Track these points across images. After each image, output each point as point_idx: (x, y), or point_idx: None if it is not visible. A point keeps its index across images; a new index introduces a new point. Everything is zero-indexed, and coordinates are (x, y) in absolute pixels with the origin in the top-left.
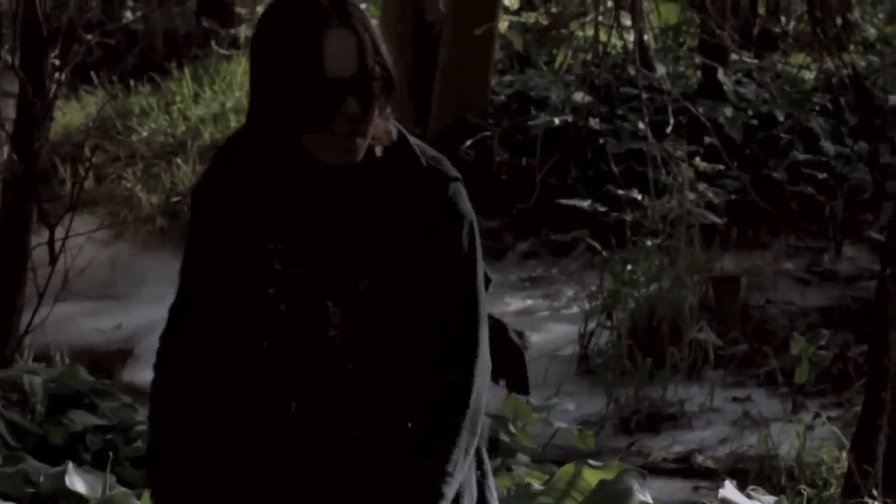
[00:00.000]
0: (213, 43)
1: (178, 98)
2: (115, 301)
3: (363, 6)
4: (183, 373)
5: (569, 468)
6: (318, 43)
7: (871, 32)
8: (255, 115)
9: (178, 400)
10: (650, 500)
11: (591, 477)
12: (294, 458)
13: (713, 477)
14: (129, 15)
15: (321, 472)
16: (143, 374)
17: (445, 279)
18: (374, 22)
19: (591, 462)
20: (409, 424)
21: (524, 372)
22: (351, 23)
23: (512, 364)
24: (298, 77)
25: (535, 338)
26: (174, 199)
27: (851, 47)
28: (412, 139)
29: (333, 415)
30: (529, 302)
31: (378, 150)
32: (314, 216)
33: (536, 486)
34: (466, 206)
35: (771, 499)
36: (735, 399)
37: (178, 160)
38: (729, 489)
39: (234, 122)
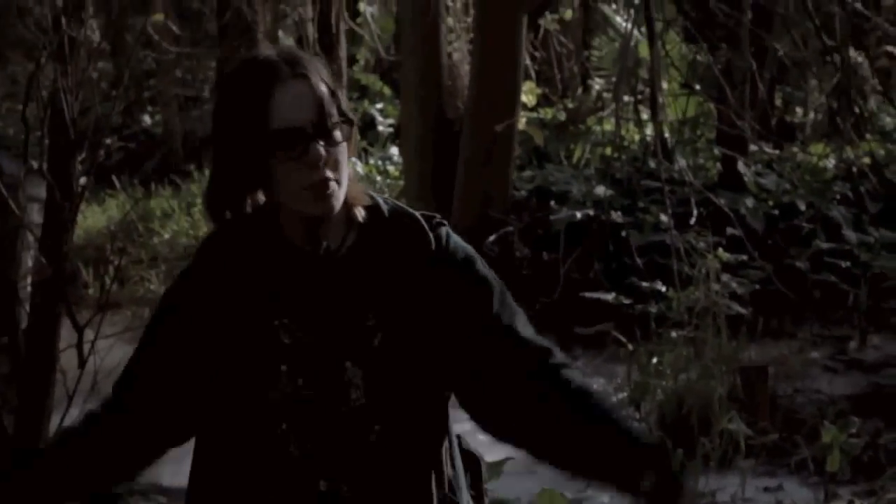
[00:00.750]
0: None
1: (199, 200)
2: None
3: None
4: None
5: None
6: (270, 95)
7: (889, 121)
8: (218, 182)
9: None
10: None
11: None
12: None
13: None
14: (147, 119)
15: None
16: (171, 473)
17: (476, 319)
18: (325, 72)
19: None
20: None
21: (480, 477)
22: (303, 73)
23: (471, 469)
24: (250, 130)
25: None
26: None
27: (868, 136)
28: (381, 198)
29: (364, 487)
30: None
31: (359, 213)
32: (314, 283)
33: None
34: (459, 244)
35: None
36: (767, 489)
37: None
38: None
39: None
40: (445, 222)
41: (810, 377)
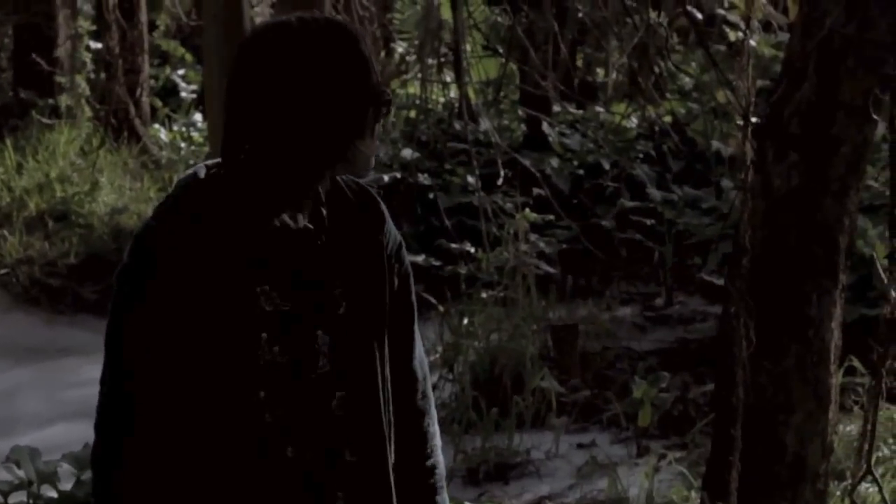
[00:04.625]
0: (33, 112)
1: (0, 169)
2: None
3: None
4: (155, 452)
5: None
6: (365, 57)
7: (687, 81)
8: (287, 142)
9: (155, 476)
10: None
11: None
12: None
13: None
14: None
15: None
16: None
17: (403, 296)
18: None
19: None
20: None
21: None
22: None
23: None
24: (355, 92)
25: None
26: (1, 272)
27: (669, 95)
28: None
29: (326, 453)
30: None
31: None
32: (293, 251)
33: None
34: (391, 221)
35: None
36: (580, 445)
37: (5, 231)
38: None
39: (60, 192)
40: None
41: (619, 334)
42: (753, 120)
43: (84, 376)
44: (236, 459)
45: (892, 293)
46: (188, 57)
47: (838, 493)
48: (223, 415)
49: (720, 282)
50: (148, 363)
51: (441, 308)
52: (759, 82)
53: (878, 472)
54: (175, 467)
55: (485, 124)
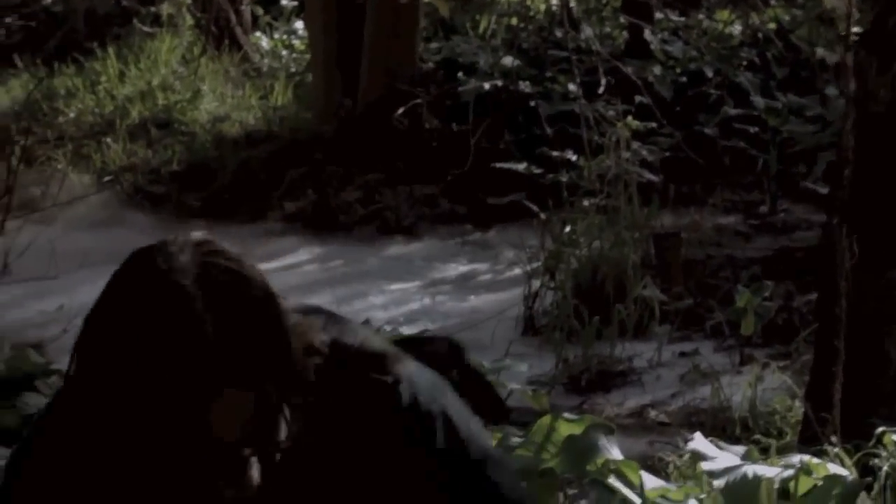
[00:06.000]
0: (134, 21)
1: (103, 78)
2: (55, 282)
3: None
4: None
5: (545, 421)
6: (207, 409)
7: None
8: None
9: None
10: (619, 455)
11: (566, 430)
12: None
13: (667, 431)
14: None
15: None
16: None
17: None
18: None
19: (567, 415)
20: None
21: (498, 400)
22: (245, 381)
23: (480, 392)
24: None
25: (478, 301)
26: (106, 179)
27: (774, 1)
28: (343, 341)
29: None
30: (470, 266)
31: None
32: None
33: (515, 439)
34: (424, 400)
35: (739, 448)
36: (683, 354)
37: (108, 139)
38: (699, 440)
39: (162, 100)
40: (401, 377)
41: (722, 242)
42: (856, 29)
43: None
44: None
45: None
46: None
47: None
48: None
49: (825, 190)
50: None
51: (543, 216)
52: None
53: None
54: None
55: (586, 32)
